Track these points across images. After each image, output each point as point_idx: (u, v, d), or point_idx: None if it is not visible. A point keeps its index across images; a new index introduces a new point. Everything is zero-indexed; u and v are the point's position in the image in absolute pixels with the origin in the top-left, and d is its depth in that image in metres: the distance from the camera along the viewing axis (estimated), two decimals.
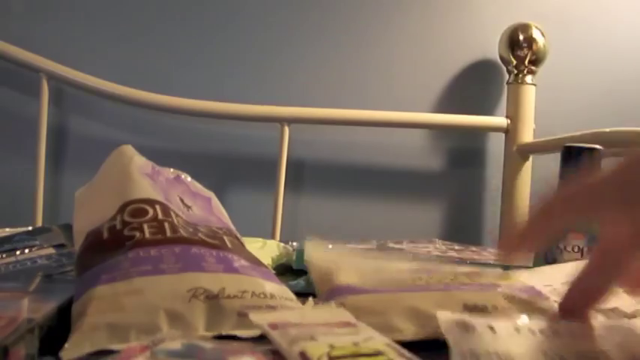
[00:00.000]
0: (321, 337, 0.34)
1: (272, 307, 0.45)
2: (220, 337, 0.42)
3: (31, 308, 0.40)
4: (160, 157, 0.67)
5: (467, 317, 0.36)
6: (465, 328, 0.35)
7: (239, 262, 0.48)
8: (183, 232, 0.48)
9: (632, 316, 0.46)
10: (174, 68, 1.19)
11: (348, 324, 0.38)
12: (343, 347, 0.33)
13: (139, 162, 0.55)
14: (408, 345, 0.41)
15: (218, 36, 1.20)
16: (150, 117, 1.17)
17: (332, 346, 0.33)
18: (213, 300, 0.43)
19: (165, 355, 0.35)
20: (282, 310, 0.44)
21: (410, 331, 0.43)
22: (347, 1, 1.23)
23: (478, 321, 0.35)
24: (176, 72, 1.19)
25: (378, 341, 0.35)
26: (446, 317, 0.35)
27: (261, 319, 0.38)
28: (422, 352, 0.41)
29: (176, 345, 0.36)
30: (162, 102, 1.12)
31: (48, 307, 0.41)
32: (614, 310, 0.47)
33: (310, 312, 0.41)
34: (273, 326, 0.37)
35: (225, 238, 0.51)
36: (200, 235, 0.50)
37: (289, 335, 0.35)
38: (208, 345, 0.36)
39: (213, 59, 1.19)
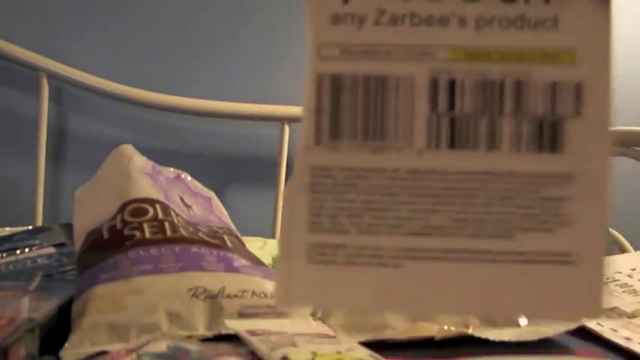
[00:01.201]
0: (303, 344, 0.34)
1: (272, 307, 0.45)
2: (218, 337, 0.42)
3: (32, 307, 0.40)
4: (160, 156, 0.67)
5: None
6: None
7: (239, 262, 0.48)
8: (183, 232, 0.48)
9: (632, 315, 0.46)
10: (174, 68, 1.19)
11: (327, 335, 0.38)
12: (326, 355, 0.33)
13: (139, 161, 0.55)
14: (402, 345, 0.41)
15: (218, 35, 1.19)
16: (150, 116, 1.17)
17: (315, 354, 0.33)
18: (214, 299, 0.43)
19: (150, 357, 0.35)
20: (261, 319, 0.44)
21: (403, 329, 0.43)
22: None
23: None
24: (176, 71, 1.19)
25: (360, 351, 0.35)
26: None
27: (237, 325, 0.39)
28: (416, 351, 0.41)
29: (161, 347, 0.36)
30: (163, 101, 1.12)
31: (48, 306, 0.41)
32: (614, 310, 0.47)
33: (289, 323, 0.41)
34: (252, 333, 0.37)
35: (225, 237, 0.51)
36: (200, 234, 0.50)
37: (270, 342, 0.35)
38: (194, 347, 0.36)
39: (213, 59, 1.19)
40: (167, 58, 1.19)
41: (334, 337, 0.38)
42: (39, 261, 0.57)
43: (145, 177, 0.53)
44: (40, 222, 1.08)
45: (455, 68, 0.20)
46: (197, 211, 0.55)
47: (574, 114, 0.20)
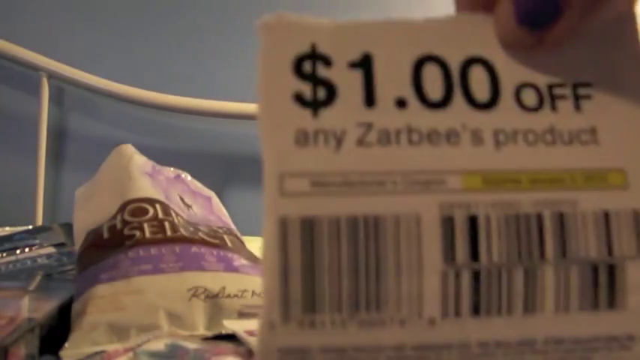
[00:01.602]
0: None
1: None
2: (219, 337, 0.42)
3: (32, 307, 0.39)
4: (160, 156, 0.67)
5: None
6: None
7: (239, 262, 0.48)
8: (183, 232, 0.48)
9: None
10: (174, 67, 1.19)
11: None
12: None
13: (139, 161, 0.55)
14: None
15: (218, 35, 1.19)
16: (150, 116, 1.17)
17: None
18: (214, 299, 0.43)
19: (148, 355, 0.35)
20: (255, 319, 0.44)
21: None
22: (350, 2, 1.23)
23: None
24: (176, 71, 1.19)
25: None
26: None
27: (236, 325, 0.38)
28: None
29: (159, 346, 0.36)
30: (163, 101, 1.12)
31: (48, 306, 0.40)
32: None
33: None
34: (251, 333, 0.37)
35: (225, 237, 0.51)
36: (200, 234, 0.50)
37: None
38: (192, 345, 0.36)
39: (213, 58, 1.19)
40: (167, 57, 1.19)
41: None
42: (39, 261, 0.57)
43: (145, 177, 0.53)
44: (40, 222, 1.08)
45: (474, 200, 0.15)
46: (197, 211, 0.55)
47: (635, 254, 0.15)
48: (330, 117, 0.15)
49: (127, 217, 0.48)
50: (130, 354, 0.35)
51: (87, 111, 1.17)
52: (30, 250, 0.59)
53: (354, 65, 0.15)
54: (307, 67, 0.15)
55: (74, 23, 1.17)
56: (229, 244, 0.50)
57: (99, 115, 1.17)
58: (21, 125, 1.15)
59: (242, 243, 0.54)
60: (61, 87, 1.15)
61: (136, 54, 1.18)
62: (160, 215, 0.49)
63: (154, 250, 0.45)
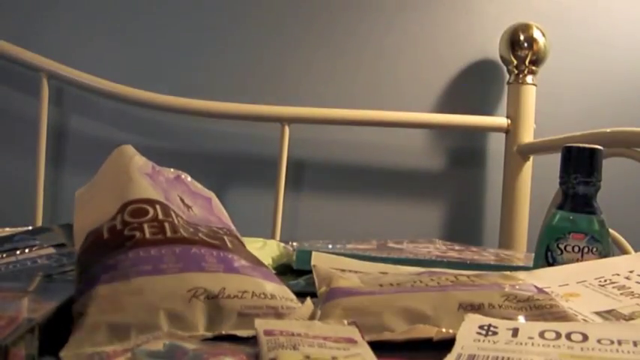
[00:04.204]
0: (305, 347, 0.34)
1: (272, 308, 0.45)
2: (219, 338, 0.42)
3: (31, 308, 0.40)
4: (159, 156, 0.67)
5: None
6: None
7: (239, 262, 0.48)
8: (183, 232, 0.48)
9: (630, 317, 0.46)
10: (174, 68, 1.19)
11: (349, 340, 0.37)
12: (318, 359, 0.33)
13: (139, 162, 0.55)
14: (402, 345, 0.42)
15: (218, 36, 1.20)
16: (150, 117, 1.17)
17: (307, 356, 0.33)
18: (214, 300, 0.43)
19: (146, 355, 0.35)
20: (291, 320, 0.43)
21: (403, 330, 0.43)
22: (349, 2, 1.23)
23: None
24: (176, 71, 1.19)
25: (361, 358, 0.34)
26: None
27: (262, 324, 0.38)
28: (415, 352, 0.41)
29: (158, 346, 0.36)
30: (163, 101, 1.12)
31: (48, 306, 0.41)
32: (612, 312, 0.48)
33: (319, 325, 0.40)
34: (269, 332, 0.37)
35: (225, 238, 0.51)
36: (200, 235, 0.50)
37: (276, 342, 0.35)
38: (191, 346, 0.36)
39: (213, 59, 1.20)
40: (167, 58, 1.19)
41: (356, 342, 0.37)
42: (39, 261, 0.57)
43: (145, 177, 0.53)
44: (40, 222, 1.09)
45: None
46: (197, 212, 0.56)
47: None
48: None
49: (127, 218, 0.48)
50: (129, 354, 0.36)
51: (87, 111, 1.17)
52: (30, 250, 0.59)
53: None
54: None
55: (74, 23, 1.17)
56: (229, 244, 0.50)
57: (99, 115, 1.18)
58: (21, 125, 1.15)
59: (242, 244, 0.54)
60: (61, 87, 1.15)
61: (136, 54, 1.18)
62: (160, 216, 0.49)
63: (154, 251, 0.45)
